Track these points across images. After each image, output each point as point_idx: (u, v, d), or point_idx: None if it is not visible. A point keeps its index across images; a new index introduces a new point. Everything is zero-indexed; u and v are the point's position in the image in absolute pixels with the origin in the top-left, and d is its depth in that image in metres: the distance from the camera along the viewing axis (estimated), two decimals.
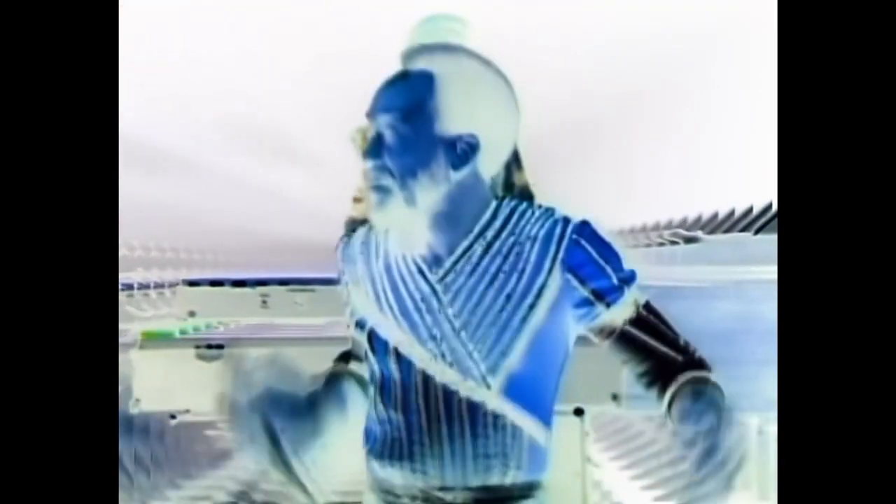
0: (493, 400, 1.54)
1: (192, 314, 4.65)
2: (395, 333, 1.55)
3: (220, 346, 3.75)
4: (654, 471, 4.89)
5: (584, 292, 1.56)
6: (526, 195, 1.66)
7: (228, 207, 6.80)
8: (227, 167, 6.62)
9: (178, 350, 3.79)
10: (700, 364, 1.56)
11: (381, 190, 1.54)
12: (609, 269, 1.57)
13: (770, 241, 4.18)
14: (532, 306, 1.55)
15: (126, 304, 4.61)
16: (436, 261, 1.54)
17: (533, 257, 1.57)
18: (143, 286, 4.94)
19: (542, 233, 1.57)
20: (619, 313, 1.57)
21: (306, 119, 6.59)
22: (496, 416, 1.54)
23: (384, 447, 1.58)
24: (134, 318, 4.54)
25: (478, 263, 1.56)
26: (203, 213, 6.59)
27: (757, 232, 4.47)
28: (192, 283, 4.89)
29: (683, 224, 5.52)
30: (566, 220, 1.57)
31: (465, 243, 1.55)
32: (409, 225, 1.55)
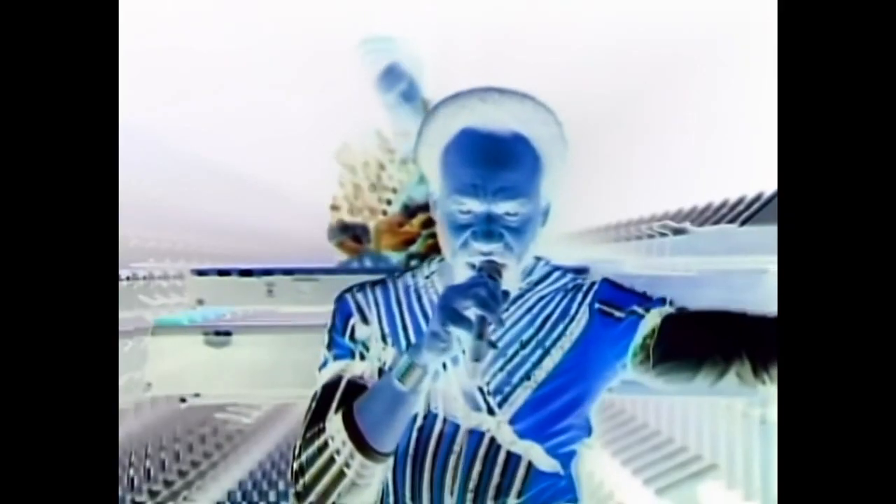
0: (496, 431, 1.52)
1: (200, 302, 4.73)
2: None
3: (227, 333, 3.85)
4: (644, 454, 4.98)
5: (620, 314, 1.56)
6: None
7: (234, 201, 6.92)
8: (232, 163, 6.74)
9: (188, 337, 3.88)
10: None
11: (500, 267, 1.47)
12: (638, 295, 1.59)
13: (755, 231, 4.29)
14: (552, 346, 1.55)
15: (138, 294, 4.70)
16: None
17: (561, 305, 1.58)
18: (154, 276, 5.03)
19: (569, 284, 1.61)
20: (656, 318, 1.55)
21: (310, 114, 6.71)
22: (498, 448, 1.53)
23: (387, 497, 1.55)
24: (143, 306, 4.62)
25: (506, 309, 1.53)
26: (210, 206, 6.72)
27: (743, 224, 4.56)
28: (201, 273, 4.94)
29: (678, 215, 5.63)
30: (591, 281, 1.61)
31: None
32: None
